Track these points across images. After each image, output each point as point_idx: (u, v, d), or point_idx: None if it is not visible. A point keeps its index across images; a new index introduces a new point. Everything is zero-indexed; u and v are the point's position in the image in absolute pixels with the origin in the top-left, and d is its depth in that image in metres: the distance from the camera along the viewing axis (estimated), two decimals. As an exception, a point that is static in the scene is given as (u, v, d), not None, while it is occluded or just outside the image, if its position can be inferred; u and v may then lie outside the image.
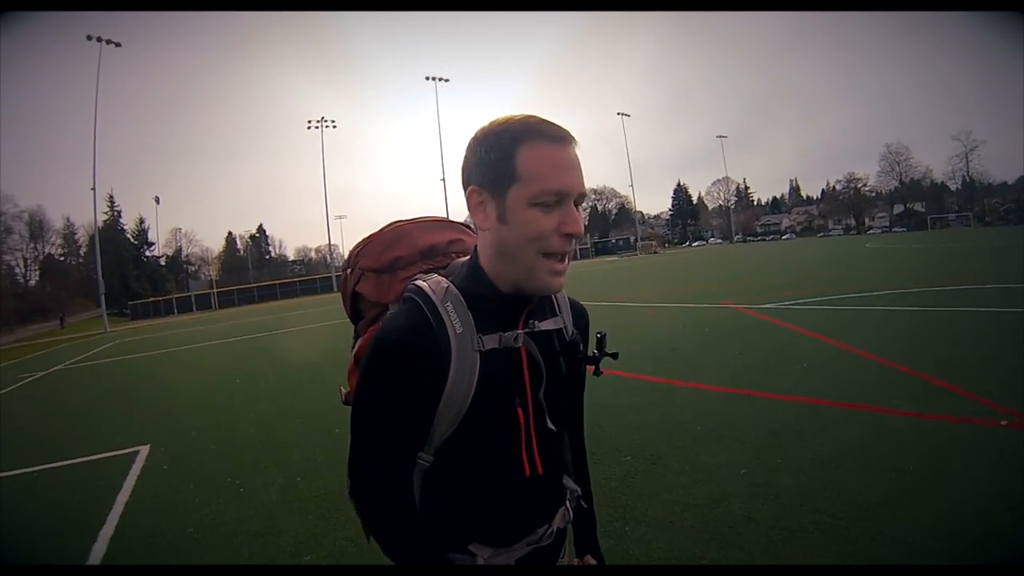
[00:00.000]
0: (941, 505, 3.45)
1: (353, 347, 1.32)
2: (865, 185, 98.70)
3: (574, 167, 1.00)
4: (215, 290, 64.24)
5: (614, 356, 1.28)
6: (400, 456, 1.10)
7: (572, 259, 1.07)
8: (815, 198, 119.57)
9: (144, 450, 6.34)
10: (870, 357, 7.06)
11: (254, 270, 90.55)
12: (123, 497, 4.99)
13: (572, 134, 1.02)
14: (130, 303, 59.61)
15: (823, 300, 12.95)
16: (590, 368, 1.28)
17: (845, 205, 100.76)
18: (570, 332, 1.24)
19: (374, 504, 1.10)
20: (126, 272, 69.01)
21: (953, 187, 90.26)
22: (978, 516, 3.28)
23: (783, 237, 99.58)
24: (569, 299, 1.29)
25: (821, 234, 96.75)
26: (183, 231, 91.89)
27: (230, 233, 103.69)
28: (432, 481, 1.14)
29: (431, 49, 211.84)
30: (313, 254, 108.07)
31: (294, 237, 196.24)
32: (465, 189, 1.06)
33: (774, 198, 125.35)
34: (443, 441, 1.10)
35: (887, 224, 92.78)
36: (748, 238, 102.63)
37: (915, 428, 4.70)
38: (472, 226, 1.28)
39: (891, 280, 15.92)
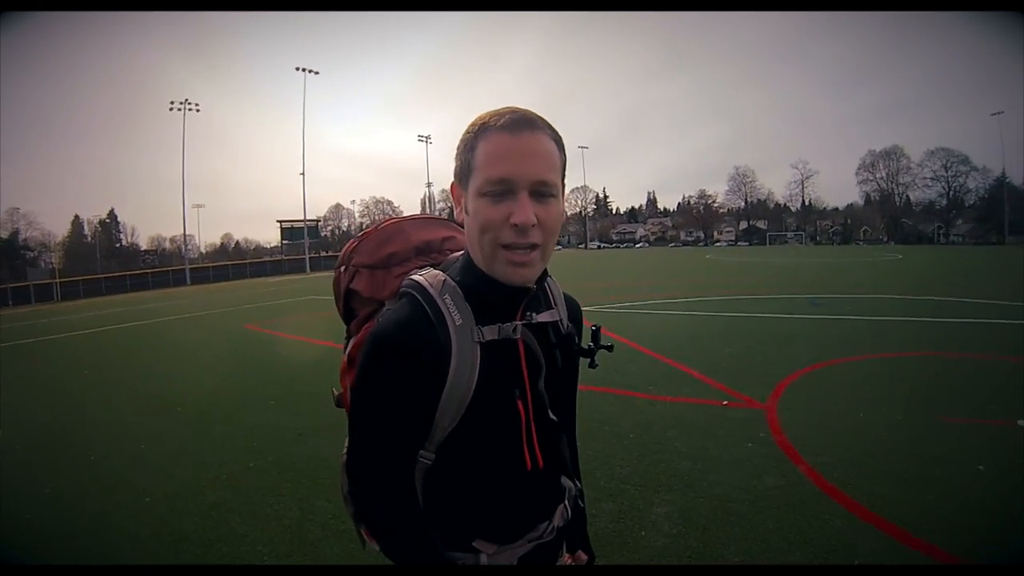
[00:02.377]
0: (640, 460, 4.49)
1: (345, 348, 1.31)
2: (715, 201, 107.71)
3: (523, 155, 0.98)
4: (58, 280, 57.85)
5: (609, 349, 1.33)
6: (402, 454, 1.10)
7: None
8: (671, 210, 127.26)
9: (-7, 433, 6.46)
10: (648, 352, 8.34)
11: (103, 259, 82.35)
12: (-21, 469, 5.33)
13: (537, 122, 1.02)
14: (-49, 292, 50.82)
15: (638, 304, 14.54)
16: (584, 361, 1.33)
17: (696, 219, 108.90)
18: (565, 325, 1.26)
19: (376, 505, 1.11)
20: (-50, 254, 60.00)
21: (793, 209, 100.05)
22: (667, 469, 4.32)
23: (637, 245, 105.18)
24: (565, 294, 1.33)
25: (673, 244, 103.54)
26: (21, 211, 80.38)
27: (77, 217, 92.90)
28: (434, 479, 1.15)
29: (304, 38, 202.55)
30: (168, 244, 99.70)
31: (148, 225, 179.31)
32: None
33: (632, 208, 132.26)
34: (445, 437, 1.10)
35: (733, 238, 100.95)
36: (603, 245, 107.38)
37: (652, 407, 5.84)
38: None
39: (708, 289, 18.14)
